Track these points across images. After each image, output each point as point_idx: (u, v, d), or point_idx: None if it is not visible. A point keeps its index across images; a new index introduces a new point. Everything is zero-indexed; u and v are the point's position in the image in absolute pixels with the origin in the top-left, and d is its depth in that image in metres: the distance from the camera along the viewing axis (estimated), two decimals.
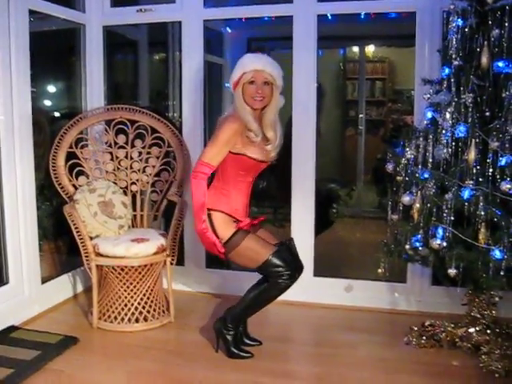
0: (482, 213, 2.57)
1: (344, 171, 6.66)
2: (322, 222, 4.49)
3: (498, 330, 3.00)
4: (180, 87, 4.02)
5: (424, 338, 3.13)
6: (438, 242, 2.67)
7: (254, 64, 2.83)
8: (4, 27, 3.25)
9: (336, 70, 7.26)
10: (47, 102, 4.30)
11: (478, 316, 3.02)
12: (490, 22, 2.71)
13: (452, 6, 2.83)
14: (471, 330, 3.03)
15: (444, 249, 2.68)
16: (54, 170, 3.61)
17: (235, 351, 3.01)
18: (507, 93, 2.62)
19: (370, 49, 7.14)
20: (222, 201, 2.92)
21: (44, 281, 3.66)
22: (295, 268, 2.92)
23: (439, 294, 3.53)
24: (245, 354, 3.02)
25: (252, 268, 2.91)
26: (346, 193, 5.52)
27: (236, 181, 2.94)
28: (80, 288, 4.00)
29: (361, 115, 6.70)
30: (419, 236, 2.80)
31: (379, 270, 3.06)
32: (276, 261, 2.84)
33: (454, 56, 2.79)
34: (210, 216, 2.88)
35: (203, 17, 3.81)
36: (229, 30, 5.52)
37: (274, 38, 5.37)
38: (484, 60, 2.69)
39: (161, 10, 3.92)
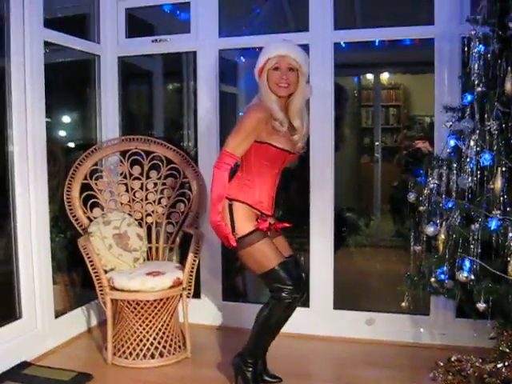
0: (511, 244, 2.47)
1: (360, 199, 6.58)
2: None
3: None
4: (195, 117, 4.00)
5: (451, 373, 3.01)
6: (465, 274, 2.57)
7: (278, 49, 2.75)
8: (19, 58, 3.26)
9: (350, 97, 7.23)
10: (62, 133, 4.29)
11: (507, 350, 2.89)
12: None
13: (473, 32, 2.77)
14: (500, 365, 2.90)
15: (471, 282, 2.58)
16: (69, 202, 3.57)
17: None
18: None
19: (385, 76, 7.12)
20: (246, 192, 2.82)
21: (57, 315, 3.60)
22: (299, 285, 2.80)
23: (464, 327, 3.41)
24: None
25: (256, 273, 2.81)
26: (365, 222, 5.45)
27: (260, 172, 2.82)
28: (94, 322, 3.93)
29: (376, 143, 6.64)
30: (445, 268, 2.71)
31: (403, 304, 2.97)
32: (281, 272, 2.74)
33: (476, 82, 2.72)
34: (231, 206, 2.78)
35: (218, 46, 3.81)
36: (243, 59, 5.52)
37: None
38: (508, 86, 2.60)
39: (176, 40, 3.92)
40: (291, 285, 2.74)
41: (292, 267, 2.84)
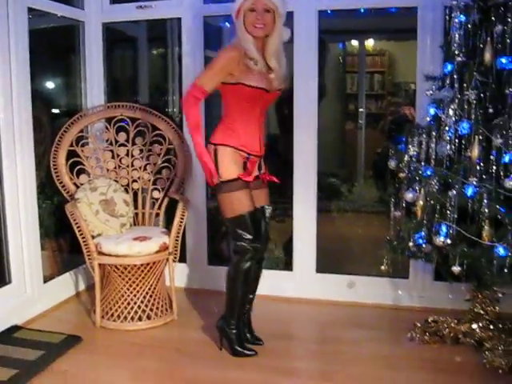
0: (486, 210, 2.57)
1: (344, 165, 6.64)
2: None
3: (501, 326, 3.01)
4: (180, 83, 4.01)
5: (427, 334, 3.14)
6: (442, 239, 2.67)
7: None
8: (3, 25, 3.23)
9: (335, 63, 7.23)
10: (47, 100, 4.28)
11: (482, 312, 3.03)
12: (493, 18, 2.70)
13: (454, 2, 2.82)
14: (474, 326, 3.04)
15: (448, 246, 2.68)
16: (55, 169, 3.60)
17: (239, 349, 3.00)
18: (510, 89, 2.61)
19: (370, 42, 7.11)
20: (230, 135, 2.87)
21: (46, 280, 3.66)
22: (259, 235, 2.91)
23: (442, 290, 3.51)
24: (248, 352, 3.01)
25: (225, 216, 2.90)
26: (348, 188, 5.52)
27: (242, 114, 2.86)
28: (82, 286, 4.00)
29: (361, 109, 6.67)
30: (422, 233, 2.80)
31: (382, 267, 3.06)
32: (247, 220, 2.85)
33: (456, 52, 2.78)
34: (216, 151, 2.85)
35: (203, 13, 3.79)
36: (228, 24, 5.49)
37: None
38: (487, 56, 2.68)
39: (161, 7, 3.90)
40: (252, 234, 2.85)
41: (259, 218, 2.94)
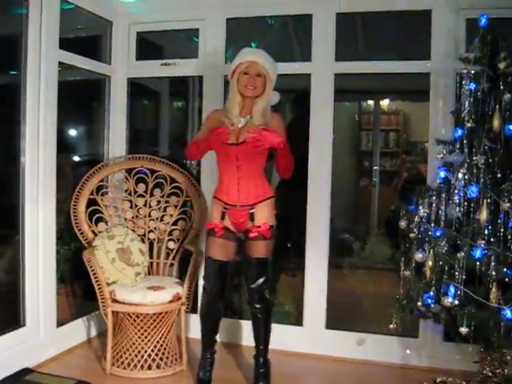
0: (494, 272, 2.61)
1: (357, 221, 6.68)
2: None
3: None
4: None
5: None
6: (450, 299, 2.70)
7: (249, 56, 3.05)
8: (35, 76, 3.41)
9: (351, 121, 7.38)
10: (71, 148, 4.44)
11: (490, 374, 3.00)
12: (501, 87, 2.80)
13: (465, 71, 2.94)
14: None
15: (456, 307, 2.70)
16: (75, 216, 3.70)
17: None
18: None
19: (385, 102, 7.27)
20: (216, 187, 3.22)
21: (59, 324, 3.71)
22: (215, 281, 3.14)
23: (451, 351, 3.50)
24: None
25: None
26: (360, 245, 5.54)
27: (221, 167, 3.16)
28: (94, 332, 4.04)
29: (375, 167, 6.76)
30: (431, 293, 2.83)
31: (391, 326, 3.08)
32: (207, 266, 3.16)
33: (466, 118, 2.87)
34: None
35: (224, 72, 3.93)
36: None
37: (289, 90, 5.49)
38: (496, 123, 2.77)
39: (184, 65, 4.09)
40: (209, 275, 3.14)
41: (216, 272, 3.12)
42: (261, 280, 3.10)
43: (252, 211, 3.08)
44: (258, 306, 3.14)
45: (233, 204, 3.08)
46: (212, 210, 3.19)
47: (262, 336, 3.19)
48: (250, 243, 3.11)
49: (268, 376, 3.19)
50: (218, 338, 3.34)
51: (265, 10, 3.94)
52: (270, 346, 3.24)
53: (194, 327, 3.97)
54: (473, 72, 2.93)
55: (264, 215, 3.09)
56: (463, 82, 2.94)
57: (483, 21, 2.92)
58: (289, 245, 4.67)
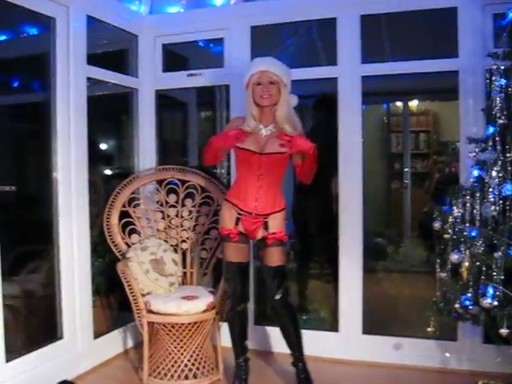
0: None
1: (390, 225, 6.62)
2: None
3: None
4: None
5: None
6: (489, 300, 2.64)
7: (259, 66, 3.07)
8: (64, 92, 3.48)
9: (380, 123, 7.32)
10: (102, 161, 4.50)
11: None
12: None
13: (495, 66, 2.88)
14: None
15: (495, 308, 2.65)
16: (108, 228, 3.74)
17: None
18: None
19: (414, 103, 7.20)
20: (230, 190, 3.26)
21: (96, 336, 3.74)
22: (235, 291, 3.19)
23: (491, 353, 3.43)
24: None
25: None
26: (394, 248, 5.49)
27: (240, 173, 3.18)
28: (131, 344, 4.07)
29: (406, 168, 6.69)
30: (469, 295, 2.77)
31: (429, 329, 3.03)
32: (225, 271, 3.24)
33: (498, 115, 2.82)
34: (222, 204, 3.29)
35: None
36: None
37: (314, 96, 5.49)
38: None
39: (210, 74, 4.11)
40: (229, 279, 3.20)
41: (236, 274, 3.18)
42: (282, 289, 3.13)
43: (266, 220, 3.12)
44: (282, 312, 3.15)
45: (248, 211, 3.11)
46: (224, 214, 3.19)
47: (294, 341, 3.18)
48: (267, 251, 3.14)
49: (311, 381, 3.17)
50: (248, 344, 3.36)
51: (288, 17, 3.93)
52: (307, 353, 3.21)
53: (229, 336, 3.98)
54: (502, 67, 2.87)
55: (277, 224, 3.13)
56: (493, 78, 2.89)
57: (510, 15, 2.86)
58: (322, 250, 4.67)
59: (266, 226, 3.11)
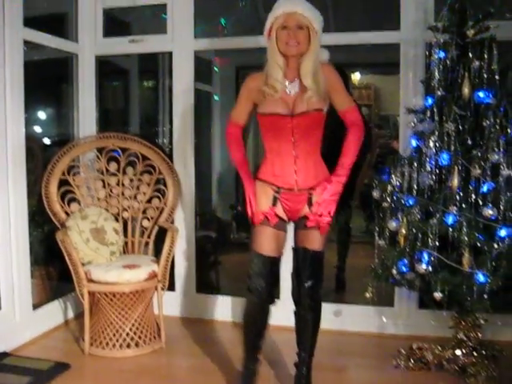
0: (466, 238, 2.66)
1: None
2: None
3: (483, 352, 3.05)
4: (170, 114, 4.09)
5: (412, 360, 3.18)
6: (424, 266, 2.75)
7: (285, 7, 2.53)
8: None
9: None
10: (40, 130, 4.37)
11: (464, 338, 3.07)
12: (470, 55, 2.84)
13: (434, 39, 2.96)
14: (458, 352, 3.08)
15: (429, 273, 2.75)
16: (47, 197, 3.65)
17: None
18: (488, 122, 2.74)
19: (356, 76, 7.29)
20: (261, 168, 2.71)
21: (35, 307, 3.68)
22: (265, 277, 2.66)
23: (426, 317, 3.58)
24: None
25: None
26: (335, 219, 5.57)
27: (270, 144, 2.66)
28: (71, 314, 4.01)
29: None
30: (405, 261, 2.87)
31: (367, 295, 3.11)
32: (255, 259, 2.66)
33: (436, 86, 2.90)
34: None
35: (194, 47, 3.90)
36: (217, 58, 5.64)
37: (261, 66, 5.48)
38: (465, 90, 2.80)
39: (152, 41, 4.02)
40: (257, 274, 2.65)
41: (268, 272, 2.66)
42: (315, 279, 2.73)
43: (310, 196, 2.65)
44: (307, 305, 2.76)
45: (289, 188, 2.64)
46: (257, 195, 2.68)
47: (309, 341, 2.82)
48: (305, 233, 2.69)
49: None
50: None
51: None
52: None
53: (171, 305, 3.99)
54: (442, 41, 2.96)
55: (319, 201, 2.64)
56: (432, 51, 2.96)
57: None
58: None
59: (310, 203, 2.65)
